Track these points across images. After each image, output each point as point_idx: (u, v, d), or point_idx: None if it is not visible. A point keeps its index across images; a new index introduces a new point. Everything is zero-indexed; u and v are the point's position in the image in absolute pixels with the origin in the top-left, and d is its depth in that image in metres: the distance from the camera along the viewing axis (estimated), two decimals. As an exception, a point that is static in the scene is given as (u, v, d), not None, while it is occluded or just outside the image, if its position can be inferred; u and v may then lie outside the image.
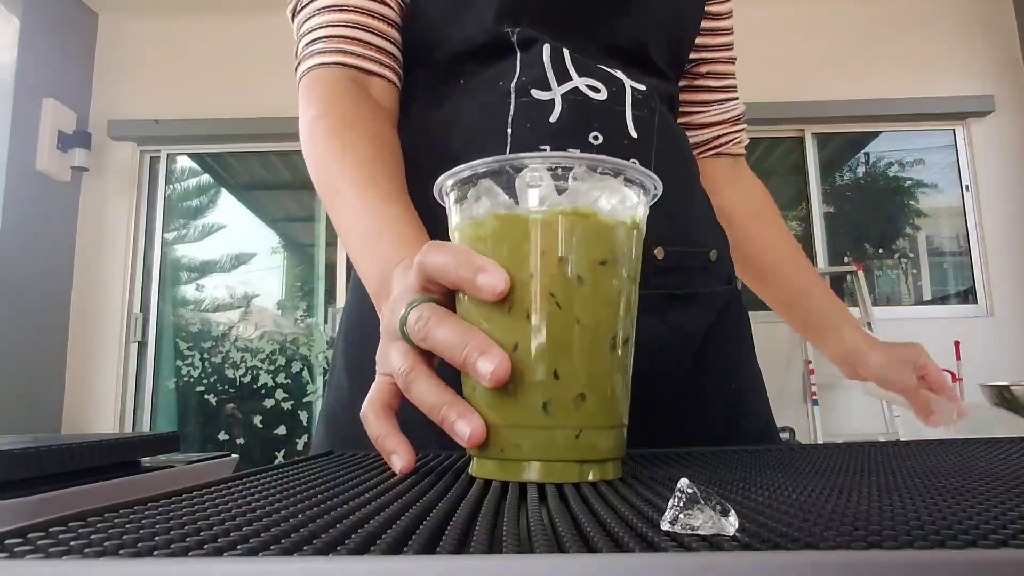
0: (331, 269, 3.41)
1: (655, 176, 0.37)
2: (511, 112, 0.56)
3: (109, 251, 3.25)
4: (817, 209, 3.36)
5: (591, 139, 0.56)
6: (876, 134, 3.47)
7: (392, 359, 0.38)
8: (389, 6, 0.59)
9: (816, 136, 3.39)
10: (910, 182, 3.51)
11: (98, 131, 3.24)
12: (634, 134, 0.58)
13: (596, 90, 0.57)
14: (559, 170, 0.34)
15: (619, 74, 0.59)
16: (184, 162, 3.52)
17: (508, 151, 0.56)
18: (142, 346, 3.26)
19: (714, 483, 0.33)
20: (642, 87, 0.60)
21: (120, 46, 3.38)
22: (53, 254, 3.11)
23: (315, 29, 0.57)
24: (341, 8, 0.56)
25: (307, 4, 0.58)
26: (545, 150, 0.55)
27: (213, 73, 3.30)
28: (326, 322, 3.38)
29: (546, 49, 0.57)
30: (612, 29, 0.61)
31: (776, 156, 3.49)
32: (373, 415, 0.39)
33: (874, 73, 3.28)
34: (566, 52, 0.58)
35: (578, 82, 0.57)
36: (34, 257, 2.96)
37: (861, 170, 3.58)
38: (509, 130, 0.56)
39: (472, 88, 0.59)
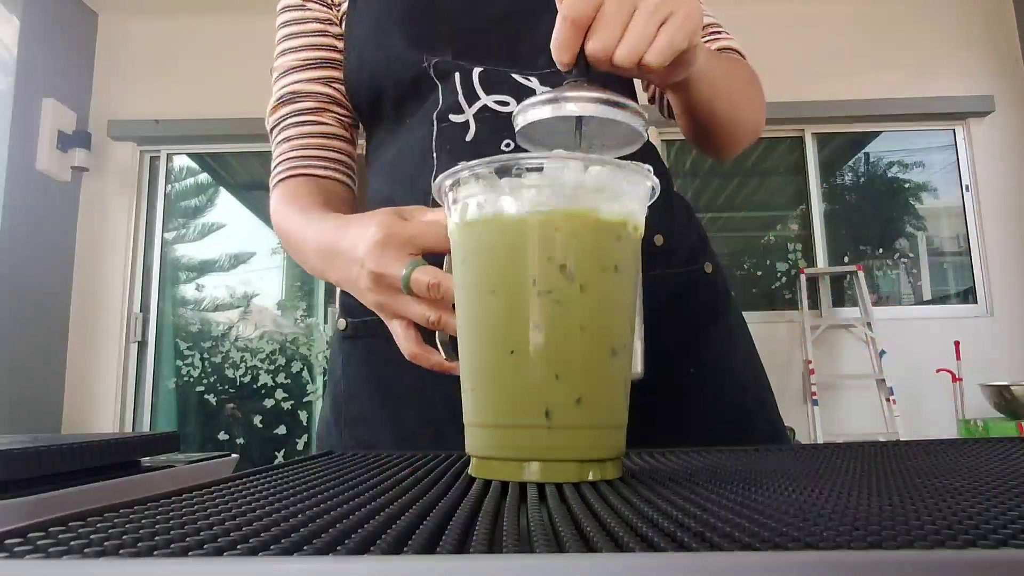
0: (331, 269, 3.40)
1: (653, 177, 0.37)
2: (434, 138, 0.64)
3: (109, 251, 3.24)
4: (817, 209, 3.35)
5: (503, 147, 0.62)
6: (876, 134, 3.47)
7: (412, 309, 0.48)
8: (326, 123, 0.72)
9: (816, 136, 3.39)
10: (910, 182, 3.50)
11: (98, 131, 3.24)
12: None
13: (505, 104, 0.64)
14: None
15: (533, 82, 0.65)
16: (182, 161, 3.52)
17: (435, 174, 0.62)
18: (142, 346, 3.26)
19: (714, 482, 0.33)
20: None
21: (120, 46, 3.38)
22: (53, 254, 3.11)
23: (276, 158, 0.72)
24: (288, 139, 0.72)
25: (271, 137, 0.74)
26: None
27: (213, 73, 3.30)
28: (326, 322, 3.38)
29: (457, 76, 0.65)
30: (520, 46, 0.67)
31: (776, 156, 3.49)
32: (422, 351, 0.50)
33: (874, 73, 3.28)
34: (475, 74, 0.65)
35: (486, 100, 0.64)
36: (34, 257, 2.96)
37: (861, 170, 3.57)
38: (434, 155, 0.64)
39: (411, 126, 0.67)
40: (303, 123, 0.72)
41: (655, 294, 0.64)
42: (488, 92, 0.64)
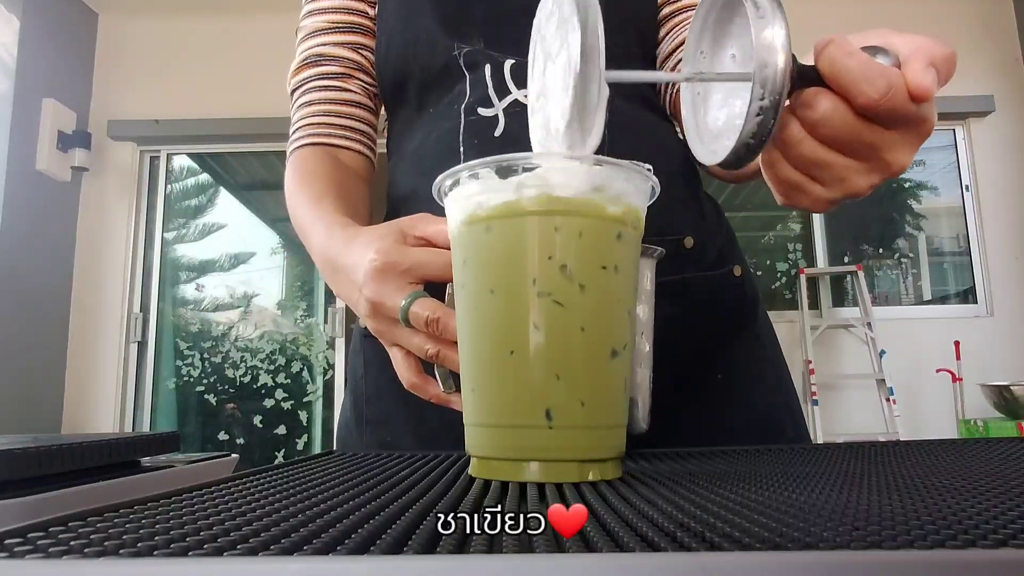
0: (331, 269, 3.41)
1: (653, 177, 0.37)
2: (461, 131, 0.62)
3: (109, 251, 3.25)
4: (817, 209, 3.35)
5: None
6: (876, 134, 3.46)
7: (411, 341, 0.47)
8: (351, 90, 0.70)
9: (816, 136, 3.39)
10: (910, 182, 3.50)
11: (98, 131, 3.24)
12: None
13: None
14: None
15: None
16: (182, 161, 3.52)
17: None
18: (142, 346, 3.26)
19: (714, 482, 0.33)
20: None
21: (120, 46, 3.38)
22: (53, 254, 3.11)
23: (295, 122, 0.71)
24: (309, 103, 0.70)
25: (292, 100, 0.72)
26: None
27: (213, 73, 3.30)
28: (326, 322, 3.38)
29: (487, 68, 0.63)
30: None
31: (776, 156, 3.48)
32: (421, 381, 0.49)
33: (874, 73, 3.28)
34: (506, 67, 0.62)
35: (517, 94, 0.62)
36: (34, 257, 2.96)
37: (861, 170, 3.57)
38: (461, 148, 0.62)
39: (436, 115, 0.65)
40: (327, 88, 0.69)
41: (684, 297, 0.63)
42: (520, 86, 0.62)
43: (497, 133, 0.61)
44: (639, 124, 0.66)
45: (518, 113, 0.61)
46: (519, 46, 0.64)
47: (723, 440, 0.59)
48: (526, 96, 0.61)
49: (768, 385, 0.67)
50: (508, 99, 0.62)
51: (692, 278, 0.64)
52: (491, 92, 0.62)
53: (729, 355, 0.65)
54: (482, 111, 0.62)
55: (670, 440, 0.58)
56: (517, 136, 0.61)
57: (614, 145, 0.61)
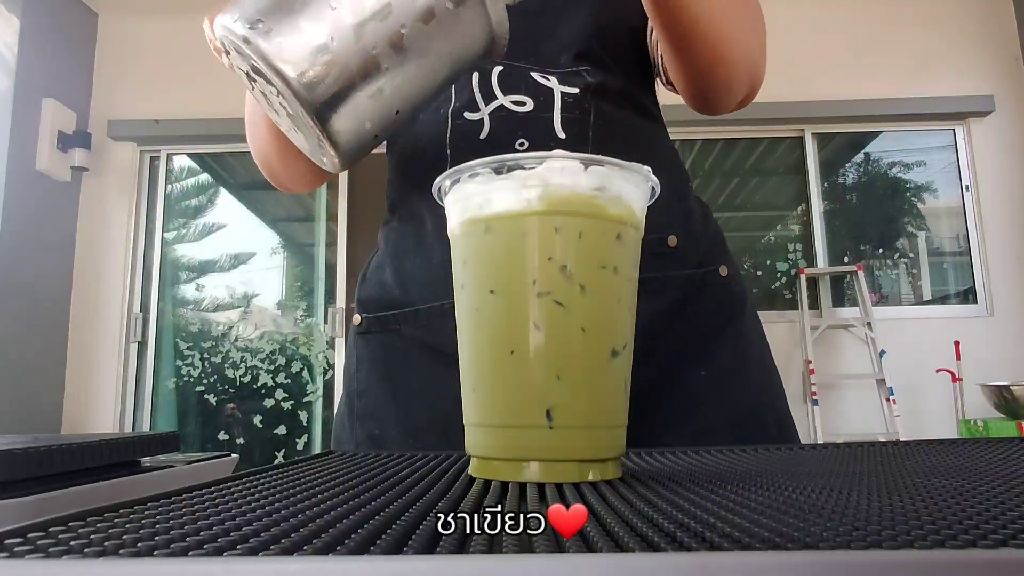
0: (331, 269, 3.42)
1: (653, 177, 0.37)
2: (448, 134, 0.65)
3: (109, 251, 3.25)
4: (817, 209, 3.35)
5: (517, 146, 0.63)
6: (876, 134, 3.47)
7: None
8: None
9: (816, 136, 3.39)
10: (910, 182, 3.50)
11: (98, 131, 3.24)
12: (562, 135, 0.63)
13: (521, 104, 0.64)
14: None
15: (551, 82, 0.65)
16: (183, 161, 3.52)
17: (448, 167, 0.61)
18: (142, 346, 3.26)
19: (714, 482, 0.33)
20: (574, 91, 0.65)
21: (120, 46, 3.38)
22: (53, 254, 3.11)
23: None
24: None
25: None
26: None
27: (213, 73, 3.29)
28: (326, 322, 3.38)
29: (475, 76, 0.65)
30: (542, 43, 0.67)
31: (776, 156, 3.48)
32: (211, 34, 0.51)
33: (874, 73, 3.28)
34: (494, 74, 0.65)
35: (503, 100, 0.65)
36: (34, 257, 2.96)
37: (861, 170, 3.58)
38: (448, 151, 0.65)
39: (424, 121, 0.68)
40: None
41: (666, 295, 0.64)
42: (506, 92, 0.65)
43: (483, 136, 0.64)
44: (626, 126, 0.67)
45: (504, 117, 0.64)
46: (510, 50, 0.65)
47: (704, 437, 0.60)
48: (512, 102, 0.64)
49: (753, 384, 0.67)
50: (494, 104, 0.64)
51: (675, 276, 0.65)
52: (477, 96, 0.65)
53: (713, 353, 0.66)
54: (468, 115, 0.65)
55: (653, 436, 0.59)
56: (502, 139, 0.64)
57: (601, 146, 0.62)
